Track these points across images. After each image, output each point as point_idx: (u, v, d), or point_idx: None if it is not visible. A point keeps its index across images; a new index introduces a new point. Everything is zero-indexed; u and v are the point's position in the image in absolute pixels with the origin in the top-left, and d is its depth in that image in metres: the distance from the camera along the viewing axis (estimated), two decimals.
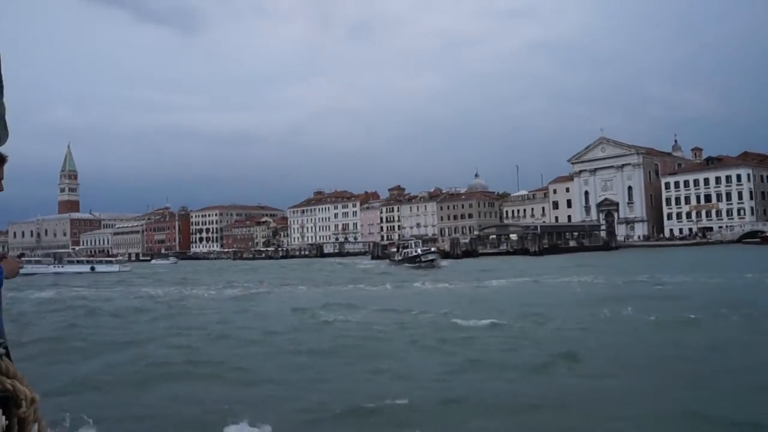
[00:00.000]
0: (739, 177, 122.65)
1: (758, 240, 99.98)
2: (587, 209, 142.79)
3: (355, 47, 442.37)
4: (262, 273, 67.55)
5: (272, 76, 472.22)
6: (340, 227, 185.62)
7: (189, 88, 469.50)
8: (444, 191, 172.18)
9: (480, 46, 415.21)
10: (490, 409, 10.51)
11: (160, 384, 13.33)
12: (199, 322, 22.74)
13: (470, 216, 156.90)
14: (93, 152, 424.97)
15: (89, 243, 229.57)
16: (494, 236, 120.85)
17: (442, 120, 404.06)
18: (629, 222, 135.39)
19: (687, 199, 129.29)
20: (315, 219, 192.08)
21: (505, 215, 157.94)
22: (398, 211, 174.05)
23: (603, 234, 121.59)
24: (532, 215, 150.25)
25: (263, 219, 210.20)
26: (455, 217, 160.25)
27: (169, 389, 12.93)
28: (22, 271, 3.00)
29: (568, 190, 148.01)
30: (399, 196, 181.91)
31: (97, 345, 18.61)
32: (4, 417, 1.84)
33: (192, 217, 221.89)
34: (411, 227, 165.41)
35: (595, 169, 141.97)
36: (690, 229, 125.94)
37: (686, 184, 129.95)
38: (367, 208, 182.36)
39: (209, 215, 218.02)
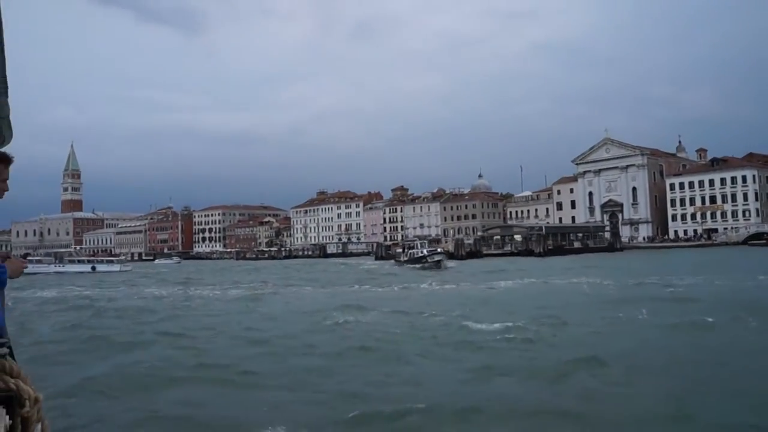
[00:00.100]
0: (744, 178, 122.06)
1: (764, 242, 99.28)
2: (591, 210, 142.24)
3: (358, 47, 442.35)
4: (266, 273, 67.21)
5: (274, 77, 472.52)
6: (343, 227, 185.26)
7: (191, 88, 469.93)
8: (447, 192, 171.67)
9: (482, 46, 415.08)
10: (511, 416, 10.14)
11: (166, 387, 13.00)
12: (206, 324, 22.37)
13: (474, 217, 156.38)
14: (96, 152, 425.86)
15: (92, 242, 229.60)
16: (498, 237, 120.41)
17: (445, 121, 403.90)
18: (633, 223, 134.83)
19: (692, 201, 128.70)
20: (318, 219, 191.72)
21: (508, 216, 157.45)
22: (401, 211, 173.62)
23: (607, 235, 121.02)
24: (536, 216, 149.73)
25: (266, 219, 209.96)
26: (458, 218, 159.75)
27: (175, 392, 12.58)
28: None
29: (572, 191, 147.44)
30: (402, 197, 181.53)
31: (102, 346, 18.28)
32: (7, 416, 1.84)
33: (195, 216, 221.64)
34: (414, 228, 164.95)
35: (600, 170, 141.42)
36: (695, 231, 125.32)
37: (691, 185, 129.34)
38: (371, 208, 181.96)
39: (212, 215, 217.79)
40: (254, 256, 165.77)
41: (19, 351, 1.72)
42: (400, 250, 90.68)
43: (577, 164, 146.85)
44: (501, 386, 11.98)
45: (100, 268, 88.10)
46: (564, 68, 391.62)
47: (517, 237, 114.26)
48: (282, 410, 11.25)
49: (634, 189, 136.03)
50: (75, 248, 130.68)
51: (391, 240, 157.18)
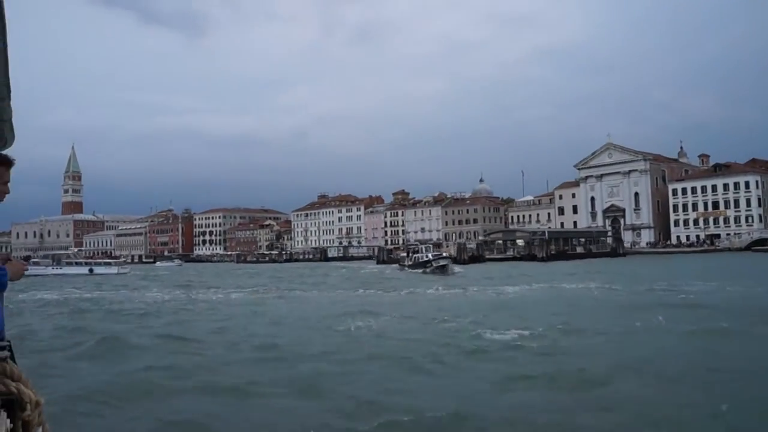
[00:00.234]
0: (747, 184, 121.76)
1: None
2: (593, 215, 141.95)
3: (360, 52, 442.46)
4: (268, 277, 66.77)
5: (276, 80, 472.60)
6: (344, 231, 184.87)
7: (193, 91, 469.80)
8: (448, 196, 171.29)
9: (484, 51, 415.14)
10: (540, 428, 9.72)
11: (171, 394, 12.54)
12: (211, 329, 21.90)
13: (475, 221, 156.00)
14: (97, 154, 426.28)
15: (92, 244, 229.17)
16: (501, 241, 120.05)
17: (447, 125, 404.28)
18: (636, 228, 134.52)
19: (694, 206, 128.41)
20: (319, 223, 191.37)
21: (510, 221, 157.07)
22: (402, 215, 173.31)
23: (610, 240, 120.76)
24: (538, 221, 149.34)
25: (267, 222, 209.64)
26: (460, 222, 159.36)
27: (180, 400, 12.13)
28: None
29: (574, 195, 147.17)
30: (403, 201, 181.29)
31: (105, 350, 17.86)
32: (8, 420, 1.84)
33: (195, 219, 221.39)
34: (415, 232, 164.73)
35: (602, 175, 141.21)
36: (697, 236, 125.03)
37: (693, 190, 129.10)
38: (372, 212, 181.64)
39: (212, 218, 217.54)
40: (255, 259, 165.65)
41: (18, 353, 1.75)
42: (404, 254, 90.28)
43: (579, 169, 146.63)
44: (523, 396, 11.54)
45: (97, 270, 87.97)
46: (565, 73, 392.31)
47: (520, 242, 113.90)
48: (294, 419, 10.87)
49: (636, 194, 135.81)
50: (73, 251, 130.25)
51: (392, 244, 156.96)
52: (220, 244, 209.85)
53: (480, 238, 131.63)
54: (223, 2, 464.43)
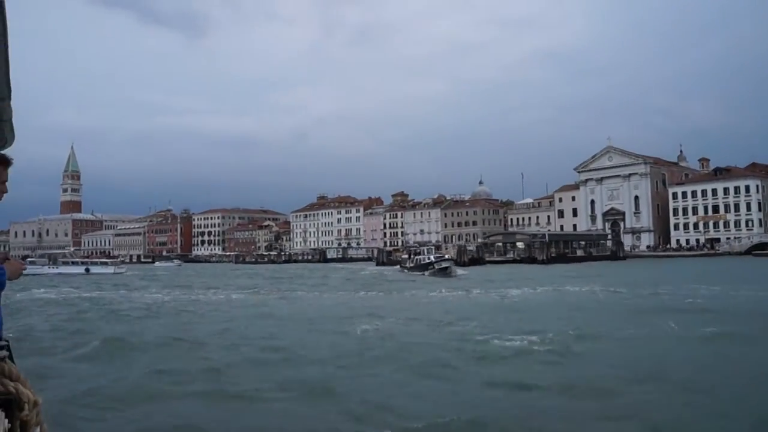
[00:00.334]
0: (747, 188, 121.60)
1: None
2: (593, 218, 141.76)
3: (360, 53, 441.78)
4: (268, 278, 66.42)
5: (276, 81, 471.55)
6: (343, 232, 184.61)
7: (193, 91, 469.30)
8: (448, 198, 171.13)
9: (484, 53, 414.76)
10: None
11: (173, 398, 12.22)
12: (215, 330, 21.56)
13: (474, 223, 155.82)
14: (96, 153, 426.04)
15: (90, 244, 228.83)
16: (500, 244, 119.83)
17: (447, 127, 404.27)
18: (635, 232, 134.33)
19: (694, 210, 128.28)
20: (318, 224, 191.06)
21: (509, 223, 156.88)
22: (402, 217, 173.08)
23: (610, 244, 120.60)
24: (537, 223, 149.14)
25: (266, 223, 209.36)
26: (459, 224, 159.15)
27: (184, 405, 11.81)
28: None
29: (573, 198, 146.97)
30: (402, 202, 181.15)
31: (104, 352, 17.57)
32: (6, 420, 1.84)
33: (194, 219, 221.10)
34: (414, 234, 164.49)
35: (602, 178, 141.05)
36: (697, 240, 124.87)
37: (694, 194, 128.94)
38: (371, 213, 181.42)
39: (211, 218, 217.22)
40: (253, 260, 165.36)
41: (17, 353, 1.75)
42: (406, 256, 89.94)
43: (579, 172, 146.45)
44: (538, 403, 11.24)
45: (93, 270, 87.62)
46: (566, 76, 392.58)
47: (520, 244, 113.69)
48: (304, 424, 10.60)
49: (636, 197, 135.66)
50: (70, 250, 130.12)
51: (390, 246, 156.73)
52: (218, 244, 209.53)
53: (479, 240, 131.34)
54: (223, 2, 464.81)
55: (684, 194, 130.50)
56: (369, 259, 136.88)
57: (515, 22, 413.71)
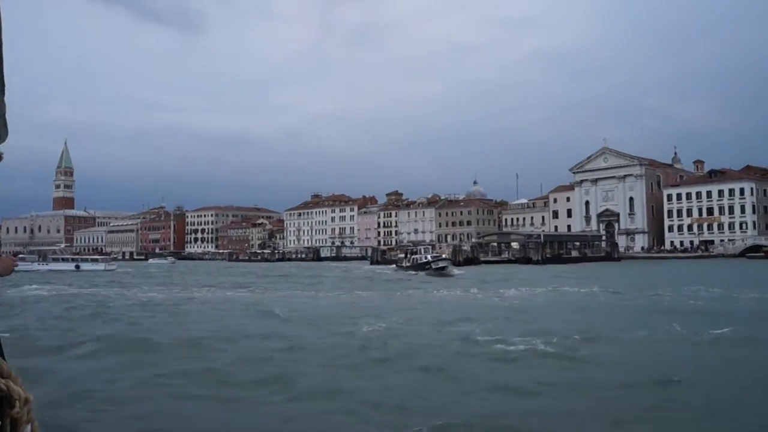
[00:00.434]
0: (742, 191, 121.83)
1: (762, 255, 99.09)
2: (587, 219, 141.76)
3: (357, 52, 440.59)
4: (263, 276, 66.10)
5: (273, 79, 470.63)
6: (337, 231, 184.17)
7: (188, 89, 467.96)
8: (442, 197, 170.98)
9: (480, 53, 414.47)
10: None
11: (172, 400, 11.94)
12: (214, 329, 21.20)
13: (468, 223, 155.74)
14: (90, 150, 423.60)
15: (83, 241, 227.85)
16: (495, 244, 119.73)
17: (442, 127, 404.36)
18: (630, 233, 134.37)
19: (689, 212, 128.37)
20: (312, 222, 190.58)
21: (503, 223, 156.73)
22: (396, 216, 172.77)
23: (605, 245, 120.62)
24: (532, 224, 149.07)
25: (259, 221, 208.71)
26: (453, 224, 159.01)
27: (182, 406, 11.54)
28: None
29: (568, 199, 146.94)
30: (397, 201, 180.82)
31: (99, 350, 17.27)
32: None
33: (187, 217, 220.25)
34: (408, 233, 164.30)
35: (597, 179, 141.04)
36: (691, 242, 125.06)
37: (688, 196, 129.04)
38: (365, 212, 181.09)
39: (205, 216, 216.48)
40: (247, 258, 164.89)
41: (8, 350, 1.78)
42: (402, 255, 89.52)
43: (574, 173, 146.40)
44: (550, 408, 10.99)
45: (84, 266, 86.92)
46: (563, 77, 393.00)
47: (515, 244, 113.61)
48: (302, 425, 10.36)
49: (631, 199, 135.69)
50: (60, 246, 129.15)
51: (385, 245, 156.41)
52: (212, 242, 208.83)
53: (473, 240, 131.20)
54: (219, 0, 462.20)
55: (678, 196, 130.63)
56: (363, 258, 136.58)
57: (514, 22, 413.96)
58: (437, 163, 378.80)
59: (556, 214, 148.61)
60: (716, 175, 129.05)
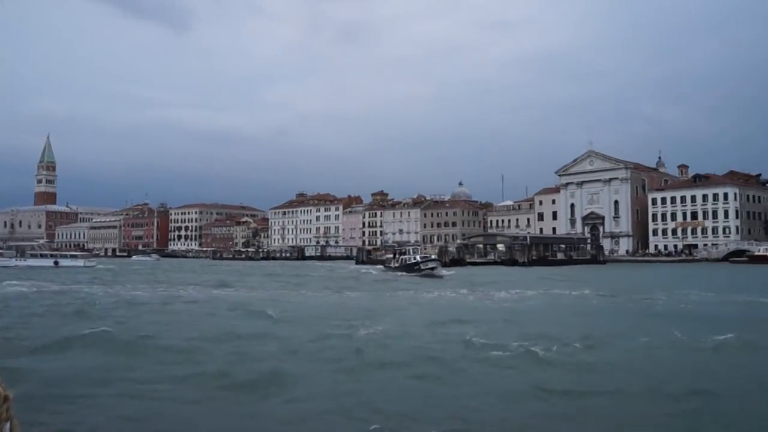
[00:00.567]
0: (726, 195, 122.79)
1: (745, 259, 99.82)
2: (572, 222, 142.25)
3: (345, 51, 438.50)
4: (248, 275, 65.49)
5: (260, 77, 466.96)
6: (321, 230, 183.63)
7: (175, 85, 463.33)
8: (428, 198, 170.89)
9: (468, 55, 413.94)
10: None
11: (167, 401, 11.57)
12: (205, 329, 20.69)
13: (453, 224, 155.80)
14: (73, 145, 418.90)
15: (65, 236, 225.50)
16: (481, 245, 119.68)
17: (428, 127, 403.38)
18: (614, 236, 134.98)
19: (673, 216, 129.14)
20: (296, 221, 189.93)
21: (489, 225, 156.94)
22: (381, 216, 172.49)
23: (590, 248, 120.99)
24: (517, 226, 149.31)
25: (244, 219, 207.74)
26: (438, 225, 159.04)
27: (181, 408, 11.14)
28: None
29: (554, 202, 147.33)
30: (382, 202, 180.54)
31: (81, 349, 16.78)
32: None
33: (171, 214, 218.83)
34: (393, 233, 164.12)
35: (582, 182, 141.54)
36: (675, 246, 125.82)
37: (673, 200, 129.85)
38: (350, 212, 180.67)
39: (189, 213, 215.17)
40: (231, 256, 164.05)
41: None
42: (390, 255, 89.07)
43: (560, 175, 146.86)
44: (552, 412, 10.64)
45: (63, 263, 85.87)
46: (548, 80, 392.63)
47: (500, 246, 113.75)
48: (302, 426, 9.96)
49: (616, 202, 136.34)
50: (38, 242, 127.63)
51: (369, 244, 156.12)
52: (195, 239, 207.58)
53: (459, 241, 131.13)
54: None
55: (663, 200, 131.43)
56: (348, 258, 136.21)
57: (499, 25, 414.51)
58: (423, 164, 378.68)
59: (541, 217, 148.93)
60: (700, 180, 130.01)
